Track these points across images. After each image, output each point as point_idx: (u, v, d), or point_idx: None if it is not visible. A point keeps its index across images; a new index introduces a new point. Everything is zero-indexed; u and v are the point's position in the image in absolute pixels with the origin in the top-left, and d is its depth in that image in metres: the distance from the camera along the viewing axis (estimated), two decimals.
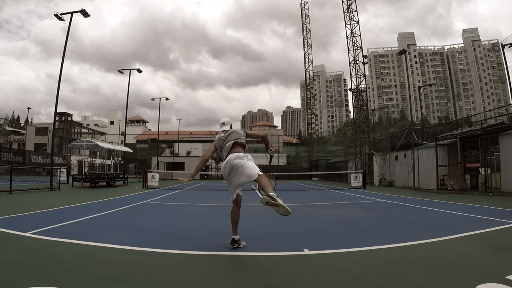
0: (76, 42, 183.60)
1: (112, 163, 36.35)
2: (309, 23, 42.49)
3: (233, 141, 3.55)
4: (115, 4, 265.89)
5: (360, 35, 26.62)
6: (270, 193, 3.03)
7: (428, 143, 16.62)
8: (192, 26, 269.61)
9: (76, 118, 59.23)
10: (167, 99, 32.76)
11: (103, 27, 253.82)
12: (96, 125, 73.59)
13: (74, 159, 37.09)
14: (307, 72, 41.68)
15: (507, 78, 14.13)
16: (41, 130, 41.23)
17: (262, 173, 3.33)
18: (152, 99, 32.92)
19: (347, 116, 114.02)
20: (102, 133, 55.93)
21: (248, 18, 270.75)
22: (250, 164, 3.41)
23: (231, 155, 3.48)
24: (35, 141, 41.37)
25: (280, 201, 2.97)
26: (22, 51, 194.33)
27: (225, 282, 2.58)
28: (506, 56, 13.56)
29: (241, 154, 3.48)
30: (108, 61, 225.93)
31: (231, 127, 3.79)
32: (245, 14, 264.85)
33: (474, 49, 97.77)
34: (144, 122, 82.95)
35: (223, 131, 3.72)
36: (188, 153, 47.39)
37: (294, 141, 69.01)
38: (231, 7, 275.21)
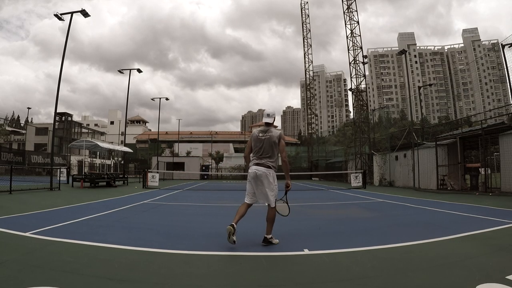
0: (75, 42, 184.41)
1: (112, 163, 36.37)
2: (309, 23, 42.53)
3: (266, 155, 3.76)
4: (114, 4, 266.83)
5: (360, 35, 26.64)
6: (269, 236, 3.70)
7: (428, 143, 16.61)
8: (191, 26, 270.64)
9: (76, 118, 59.16)
10: (167, 99, 32.74)
11: (102, 27, 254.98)
12: (96, 125, 73.60)
13: (74, 159, 37.10)
14: (307, 72, 41.68)
15: (507, 78, 14.13)
16: (41, 130, 41.21)
17: (274, 204, 3.73)
18: (152, 99, 32.92)
19: (347, 116, 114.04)
20: (102, 133, 55.95)
21: (247, 18, 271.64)
22: (273, 188, 3.72)
23: (259, 169, 3.73)
24: (35, 141, 41.35)
25: (276, 240, 3.73)
26: (21, 51, 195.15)
27: (225, 282, 2.58)
28: (506, 56, 13.55)
29: (269, 173, 3.71)
30: (107, 61, 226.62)
31: (274, 120, 3.95)
32: (244, 14, 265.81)
33: (474, 49, 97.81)
34: (144, 122, 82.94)
35: (261, 131, 3.83)
36: (188, 153, 47.38)
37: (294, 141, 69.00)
38: (230, 7, 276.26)
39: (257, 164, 3.76)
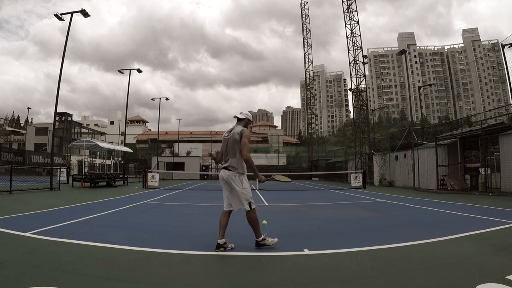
0: (75, 41, 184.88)
1: (112, 163, 36.38)
2: (309, 23, 42.56)
3: (228, 156, 3.56)
4: (113, 4, 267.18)
5: (360, 35, 26.62)
6: (260, 239, 3.53)
7: (428, 143, 16.61)
8: (190, 25, 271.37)
9: (76, 118, 59.14)
10: (167, 99, 32.70)
11: (101, 27, 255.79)
12: (96, 125, 73.63)
13: (74, 159, 37.09)
14: (307, 72, 41.69)
15: (507, 78, 14.12)
16: (41, 130, 41.20)
17: (252, 207, 3.47)
18: (152, 99, 32.90)
19: (347, 116, 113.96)
20: (102, 133, 55.97)
21: (247, 17, 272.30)
22: (243, 191, 3.48)
23: (224, 172, 3.55)
24: (35, 141, 41.35)
25: (270, 240, 3.57)
26: (21, 50, 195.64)
27: (225, 282, 2.58)
28: (506, 56, 13.53)
29: (234, 176, 3.49)
30: (107, 61, 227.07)
31: (247, 120, 3.74)
32: (243, 13, 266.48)
33: (474, 49, 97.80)
34: (144, 122, 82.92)
35: (227, 131, 3.70)
36: (188, 153, 47.39)
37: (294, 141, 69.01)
38: (229, 6, 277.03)
39: (223, 168, 3.59)
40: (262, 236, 3.55)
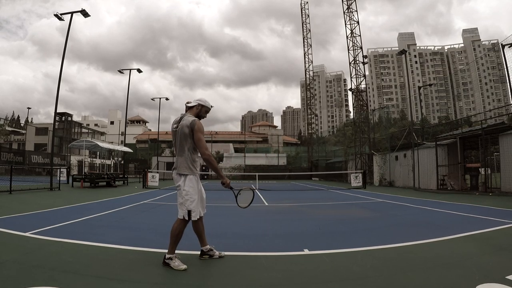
0: (73, 41, 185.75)
1: (112, 163, 36.38)
2: (309, 23, 42.53)
3: (177, 153, 3.05)
4: (112, 3, 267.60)
5: (360, 35, 26.61)
6: (167, 256, 2.92)
7: (428, 143, 16.61)
8: (188, 25, 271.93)
9: (75, 118, 59.02)
10: (167, 99, 32.63)
11: (99, 26, 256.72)
12: (96, 125, 73.64)
13: (74, 159, 37.07)
14: (307, 72, 41.66)
15: (507, 78, 14.11)
16: (41, 130, 41.17)
17: (192, 218, 3.00)
18: (152, 99, 32.86)
19: (347, 116, 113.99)
20: (102, 133, 55.96)
21: (245, 16, 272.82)
22: (182, 194, 2.99)
23: (173, 172, 3.07)
24: (35, 141, 41.34)
25: (176, 264, 2.84)
26: (19, 50, 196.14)
27: (225, 282, 2.58)
28: (506, 56, 13.53)
29: (177, 176, 3.03)
30: (105, 60, 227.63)
31: (200, 106, 3.11)
32: (241, 12, 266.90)
33: (474, 49, 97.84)
34: (144, 122, 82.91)
35: (175, 122, 3.10)
36: None
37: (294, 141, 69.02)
38: (228, 5, 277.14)
39: (173, 168, 3.09)
40: (171, 256, 2.93)
